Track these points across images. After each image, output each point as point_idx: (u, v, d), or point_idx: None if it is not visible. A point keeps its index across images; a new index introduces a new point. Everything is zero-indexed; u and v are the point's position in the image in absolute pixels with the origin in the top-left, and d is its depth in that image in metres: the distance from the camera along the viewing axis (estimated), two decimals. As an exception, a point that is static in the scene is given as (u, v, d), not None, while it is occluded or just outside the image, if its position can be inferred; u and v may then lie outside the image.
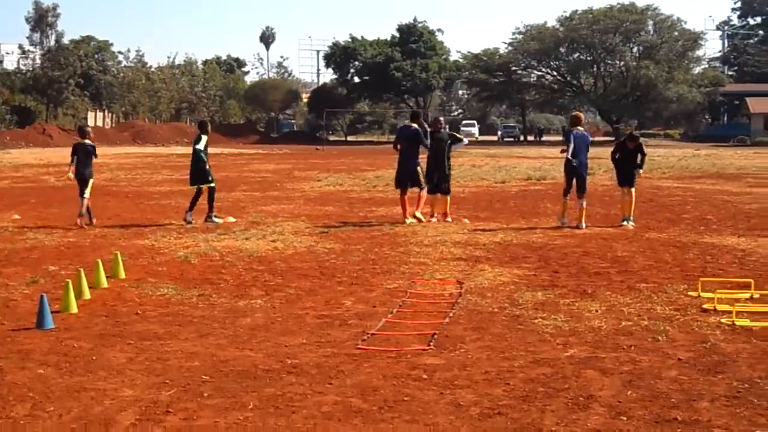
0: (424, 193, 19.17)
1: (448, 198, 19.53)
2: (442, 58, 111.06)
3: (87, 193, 18.77)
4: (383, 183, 29.99)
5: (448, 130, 20.90)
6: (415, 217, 18.71)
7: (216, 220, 18.98)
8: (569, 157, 18.18)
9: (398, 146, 19.38)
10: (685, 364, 7.95)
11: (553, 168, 31.25)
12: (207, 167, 19.14)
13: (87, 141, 19.37)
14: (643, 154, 18.71)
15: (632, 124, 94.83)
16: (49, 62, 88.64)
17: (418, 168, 19.12)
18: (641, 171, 18.90)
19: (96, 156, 19.33)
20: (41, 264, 13.51)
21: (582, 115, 19.40)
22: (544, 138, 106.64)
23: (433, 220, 19.05)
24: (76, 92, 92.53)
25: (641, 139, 19.23)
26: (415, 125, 19.30)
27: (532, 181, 31.50)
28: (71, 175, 19.08)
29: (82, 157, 19.01)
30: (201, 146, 19.19)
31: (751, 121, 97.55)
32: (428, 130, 19.56)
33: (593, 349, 8.49)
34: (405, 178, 19.18)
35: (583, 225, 17.89)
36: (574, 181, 18.27)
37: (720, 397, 7.01)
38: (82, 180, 18.91)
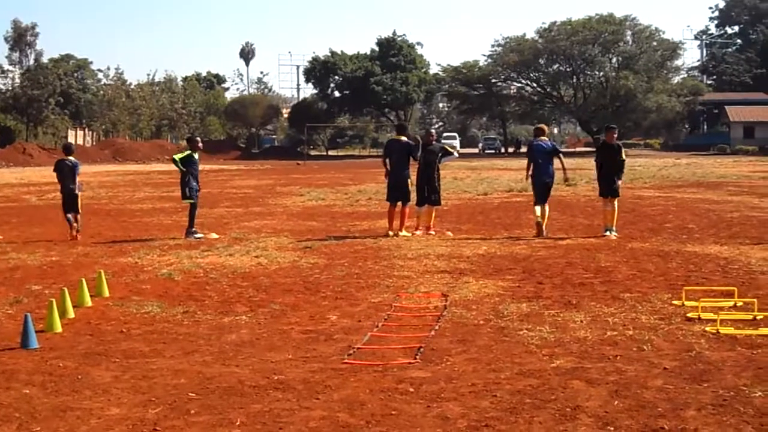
0: (408, 208, 19.24)
1: (434, 210, 19.59)
2: (422, 72, 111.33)
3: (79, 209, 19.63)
4: (366, 197, 30.03)
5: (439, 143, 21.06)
6: (398, 236, 18.75)
7: (197, 236, 18.97)
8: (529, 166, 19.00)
9: (388, 161, 19.39)
10: (671, 373, 7.97)
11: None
12: (187, 179, 19.18)
13: (70, 158, 19.68)
14: (622, 159, 18.75)
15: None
16: (29, 81, 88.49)
17: (409, 180, 19.20)
18: (620, 182, 18.91)
19: (78, 173, 19.57)
20: (24, 284, 13.44)
21: (545, 127, 20.19)
22: (523, 149, 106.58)
23: (418, 233, 19.08)
24: (56, 111, 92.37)
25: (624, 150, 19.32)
26: (404, 138, 19.42)
27: (514, 193, 31.57)
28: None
29: (67, 173, 19.35)
30: (177, 156, 19.43)
31: (730, 129, 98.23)
32: (420, 142, 19.71)
33: (579, 359, 8.50)
34: (397, 192, 19.19)
35: (544, 229, 18.44)
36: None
37: (706, 406, 7.03)
38: (69, 195, 19.39)
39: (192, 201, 19.28)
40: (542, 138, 19.26)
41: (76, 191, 19.60)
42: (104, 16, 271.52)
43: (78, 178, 19.68)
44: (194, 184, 19.35)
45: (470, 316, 10.64)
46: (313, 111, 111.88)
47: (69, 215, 19.29)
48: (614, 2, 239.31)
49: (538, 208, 18.60)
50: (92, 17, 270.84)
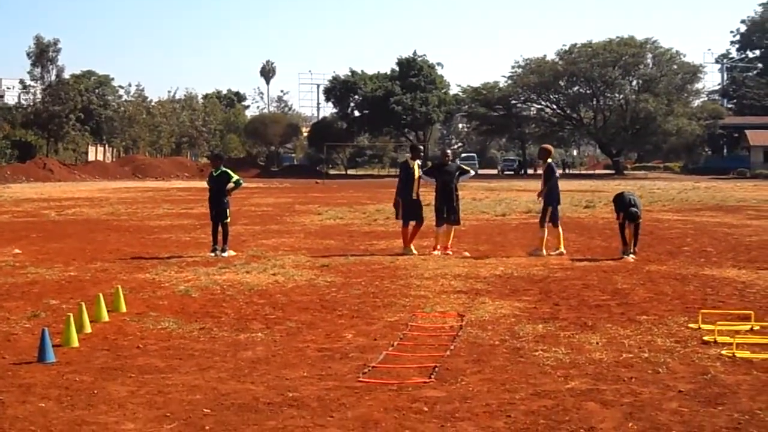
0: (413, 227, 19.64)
1: (452, 230, 19.62)
2: (442, 92, 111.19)
3: None
4: (383, 216, 29.98)
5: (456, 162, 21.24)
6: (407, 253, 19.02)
7: (210, 254, 19.06)
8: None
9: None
10: (686, 396, 7.95)
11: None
12: (210, 197, 19.53)
13: None
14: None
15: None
16: (50, 97, 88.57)
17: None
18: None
19: None
20: (42, 298, 13.50)
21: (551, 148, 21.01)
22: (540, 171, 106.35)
23: (436, 253, 19.08)
24: (77, 127, 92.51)
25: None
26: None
27: (533, 214, 31.39)
28: None
29: None
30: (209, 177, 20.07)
31: (750, 153, 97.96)
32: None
33: (594, 381, 8.49)
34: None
35: (543, 251, 18.87)
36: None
37: (721, 429, 7.01)
38: None
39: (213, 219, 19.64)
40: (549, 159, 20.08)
41: None
42: (126, 32, 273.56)
43: None
44: (210, 199, 19.67)
45: (486, 336, 10.63)
46: (332, 130, 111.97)
47: None
48: (635, 25, 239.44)
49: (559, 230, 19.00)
50: (114, 34, 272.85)
